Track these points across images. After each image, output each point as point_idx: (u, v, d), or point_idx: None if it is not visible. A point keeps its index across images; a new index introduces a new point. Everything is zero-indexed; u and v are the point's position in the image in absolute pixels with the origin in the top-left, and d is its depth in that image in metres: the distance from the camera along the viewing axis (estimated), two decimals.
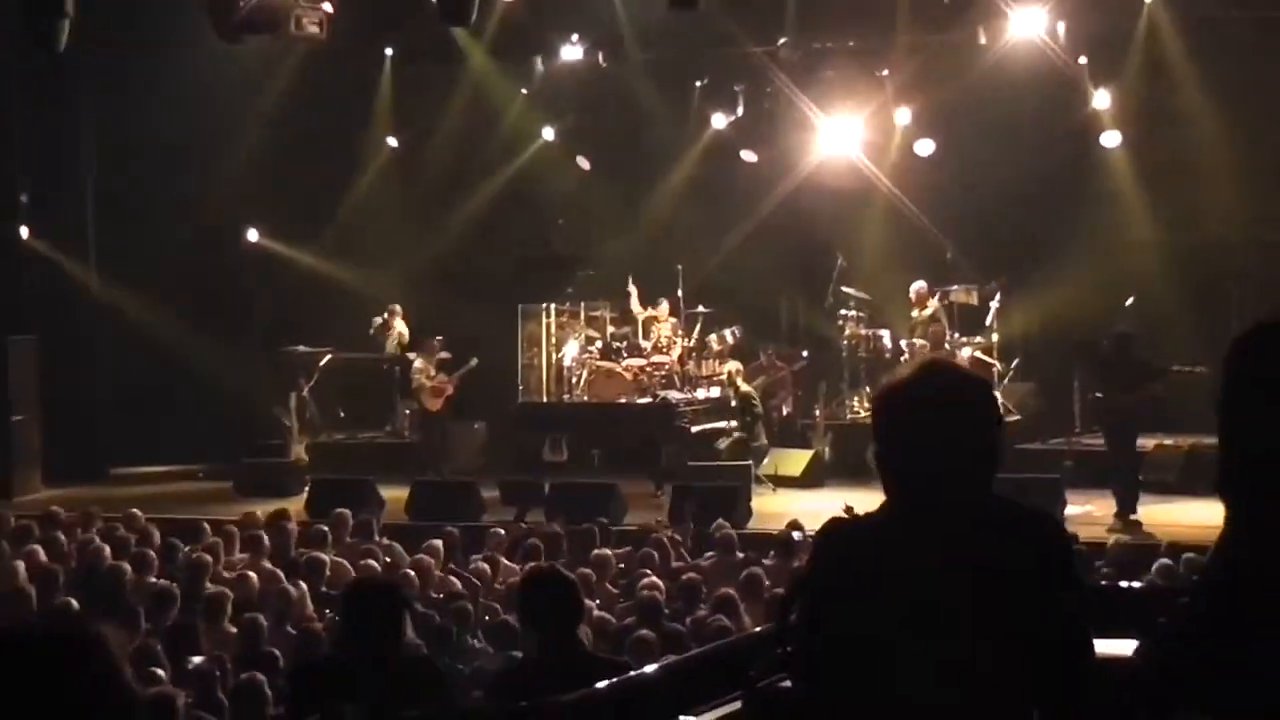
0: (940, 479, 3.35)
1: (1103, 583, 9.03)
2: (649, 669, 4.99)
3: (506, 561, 12.91)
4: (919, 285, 20.58)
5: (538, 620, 6.46)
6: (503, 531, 14.07)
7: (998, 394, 19.41)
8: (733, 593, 10.38)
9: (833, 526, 3.49)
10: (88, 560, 12.64)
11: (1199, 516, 14.09)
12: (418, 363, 20.92)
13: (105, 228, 21.86)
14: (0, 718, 2.31)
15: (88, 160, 21.76)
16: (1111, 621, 4.18)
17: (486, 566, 12.41)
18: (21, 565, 12.10)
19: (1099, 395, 16.50)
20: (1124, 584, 8.48)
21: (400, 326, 22.17)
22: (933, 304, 20.47)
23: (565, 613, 6.39)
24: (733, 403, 20.24)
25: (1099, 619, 3.75)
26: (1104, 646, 3.48)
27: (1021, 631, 3.25)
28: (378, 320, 22.17)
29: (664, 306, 20.99)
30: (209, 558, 12.18)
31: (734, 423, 19.89)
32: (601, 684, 4.54)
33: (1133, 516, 15.59)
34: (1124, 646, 3.70)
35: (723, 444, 19.57)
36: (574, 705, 4.10)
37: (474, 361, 20.90)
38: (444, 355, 20.90)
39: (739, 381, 20.20)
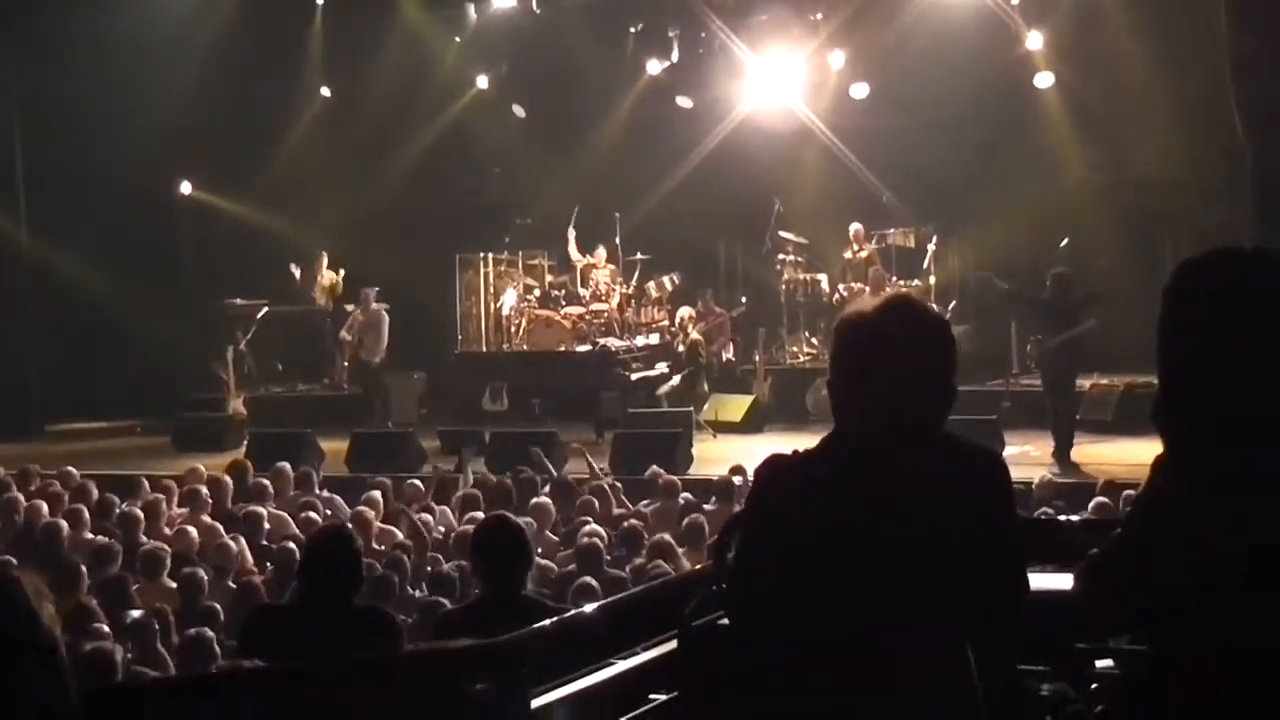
0: (897, 415, 3.32)
1: (1040, 516, 9.11)
2: (588, 608, 5.01)
3: (440, 509, 12.86)
4: (856, 227, 20.69)
5: (489, 567, 6.48)
6: (419, 484, 13.97)
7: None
8: (669, 538, 10.38)
9: (774, 462, 3.45)
10: (23, 517, 12.51)
11: (1135, 455, 14.18)
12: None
13: (34, 182, 21.60)
14: None
15: (13, 114, 21.45)
16: (1047, 554, 4.21)
17: (428, 517, 12.37)
18: None
19: (1038, 338, 16.58)
20: (1062, 518, 8.54)
21: (328, 275, 22.02)
22: (869, 246, 20.59)
23: (515, 559, 6.43)
24: (680, 349, 20.31)
25: (1035, 552, 3.78)
26: (1039, 579, 3.50)
27: (961, 564, 3.25)
28: (296, 269, 22.00)
29: (601, 253, 20.95)
30: (141, 513, 12.08)
31: (667, 368, 19.99)
32: (542, 622, 4.56)
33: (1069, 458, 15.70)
34: (1059, 579, 3.73)
35: (664, 390, 19.65)
36: (513, 643, 4.11)
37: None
38: (378, 305, 20.79)
39: (690, 329, 20.30)
